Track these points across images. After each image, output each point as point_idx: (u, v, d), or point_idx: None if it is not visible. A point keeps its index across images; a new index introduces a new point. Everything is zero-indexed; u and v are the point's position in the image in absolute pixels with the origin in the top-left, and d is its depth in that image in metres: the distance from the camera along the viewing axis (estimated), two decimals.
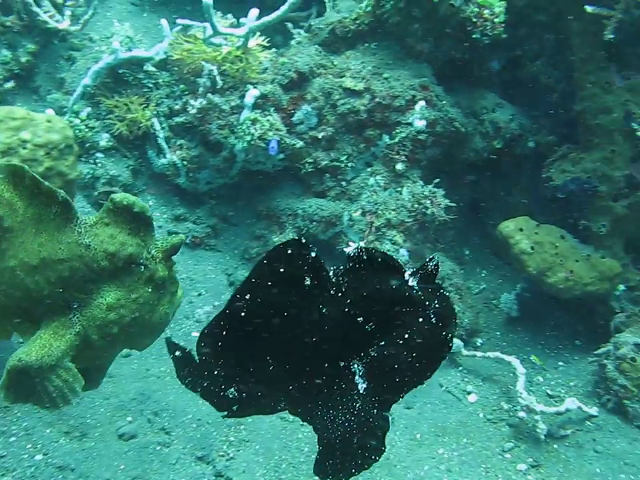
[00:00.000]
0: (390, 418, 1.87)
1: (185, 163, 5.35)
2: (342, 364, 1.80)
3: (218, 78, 5.19)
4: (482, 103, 5.60)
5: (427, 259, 1.80)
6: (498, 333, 5.54)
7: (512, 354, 5.11)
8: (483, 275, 5.98)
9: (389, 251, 4.89)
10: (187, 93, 5.32)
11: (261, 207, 5.44)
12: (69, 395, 2.06)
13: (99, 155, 5.20)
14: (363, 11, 5.40)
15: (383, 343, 1.77)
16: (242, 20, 5.15)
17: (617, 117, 5.11)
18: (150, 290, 2.08)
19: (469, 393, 4.93)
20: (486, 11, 5.03)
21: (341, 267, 1.77)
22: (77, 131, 5.03)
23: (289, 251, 1.68)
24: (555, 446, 4.57)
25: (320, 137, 5.24)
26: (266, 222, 5.39)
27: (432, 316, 1.77)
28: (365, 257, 1.73)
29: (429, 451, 4.32)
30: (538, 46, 5.64)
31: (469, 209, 5.91)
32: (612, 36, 4.68)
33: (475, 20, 5.02)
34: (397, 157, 5.12)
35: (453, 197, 5.15)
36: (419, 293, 1.77)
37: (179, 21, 5.37)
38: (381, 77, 5.21)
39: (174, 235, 2.18)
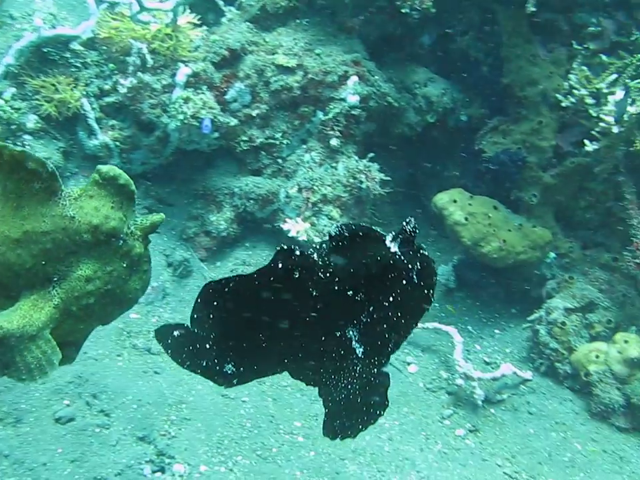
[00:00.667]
0: (389, 374, 1.99)
1: (117, 143, 5.24)
2: (339, 333, 1.91)
3: (148, 56, 5.09)
4: (414, 78, 5.66)
5: (404, 222, 1.88)
6: (436, 305, 5.64)
7: (450, 324, 5.23)
8: None
9: (325, 226, 4.92)
10: (116, 72, 5.20)
11: (197, 186, 5.39)
12: (47, 367, 2.06)
13: (27, 137, 5.03)
14: None
15: (372, 309, 1.88)
16: None
17: (542, 88, 5.25)
18: (124, 265, 2.11)
19: (409, 364, 5.02)
20: None
21: (324, 246, 1.86)
22: (1, 112, 4.86)
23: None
24: (492, 410, 4.71)
25: (254, 114, 5.21)
26: (203, 201, 5.34)
27: (414, 276, 1.88)
28: (345, 234, 1.84)
29: None
30: (467, 20, 5.72)
31: (406, 183, 5.98)
32: (534, 8, 4.80)
33: None
34: (331, 132, 5.14)
35: (388, 172, 5.21)
36: (401, 257, 1.86)
37: None
38: (313, 53, 5.21)
39: (154, 214, 2.21)
